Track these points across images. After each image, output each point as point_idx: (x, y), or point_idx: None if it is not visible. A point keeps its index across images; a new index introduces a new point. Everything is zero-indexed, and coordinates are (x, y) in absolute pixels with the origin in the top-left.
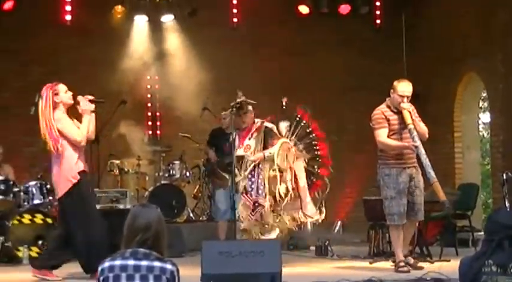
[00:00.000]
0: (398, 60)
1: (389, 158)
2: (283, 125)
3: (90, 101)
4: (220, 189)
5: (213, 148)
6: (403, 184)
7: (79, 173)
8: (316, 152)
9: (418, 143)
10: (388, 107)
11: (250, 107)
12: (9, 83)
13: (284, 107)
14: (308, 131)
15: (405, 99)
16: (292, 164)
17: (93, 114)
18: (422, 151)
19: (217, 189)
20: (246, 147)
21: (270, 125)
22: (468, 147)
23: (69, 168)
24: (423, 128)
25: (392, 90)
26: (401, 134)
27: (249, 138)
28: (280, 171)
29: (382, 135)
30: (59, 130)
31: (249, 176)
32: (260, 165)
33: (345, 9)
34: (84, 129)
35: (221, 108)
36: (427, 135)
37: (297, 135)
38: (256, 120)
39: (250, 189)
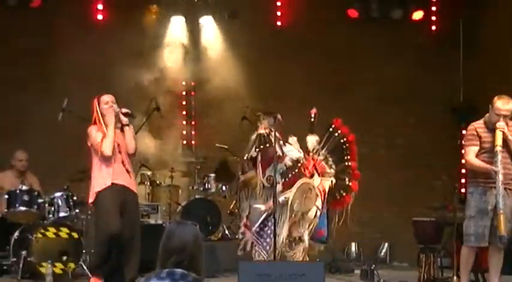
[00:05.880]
0: (454, 69)
1: (477, 176)
2: (311, 140)
3: (124, 114)
4: None
5: None
6: (486, 204)
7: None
8: (347, 163)
9: (499, 168)
10: (485, 123)
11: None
12: (31, 85)
13: (312, 120)
14: (342, 141)
15: (501, 118)
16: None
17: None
18: (499, 178)
19: None
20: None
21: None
22: None
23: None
24: None
25: (490, 106)
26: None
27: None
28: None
29: (469, 153)
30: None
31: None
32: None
33: (397, 14)
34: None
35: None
36: None
37: (328, 148)
38: None
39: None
